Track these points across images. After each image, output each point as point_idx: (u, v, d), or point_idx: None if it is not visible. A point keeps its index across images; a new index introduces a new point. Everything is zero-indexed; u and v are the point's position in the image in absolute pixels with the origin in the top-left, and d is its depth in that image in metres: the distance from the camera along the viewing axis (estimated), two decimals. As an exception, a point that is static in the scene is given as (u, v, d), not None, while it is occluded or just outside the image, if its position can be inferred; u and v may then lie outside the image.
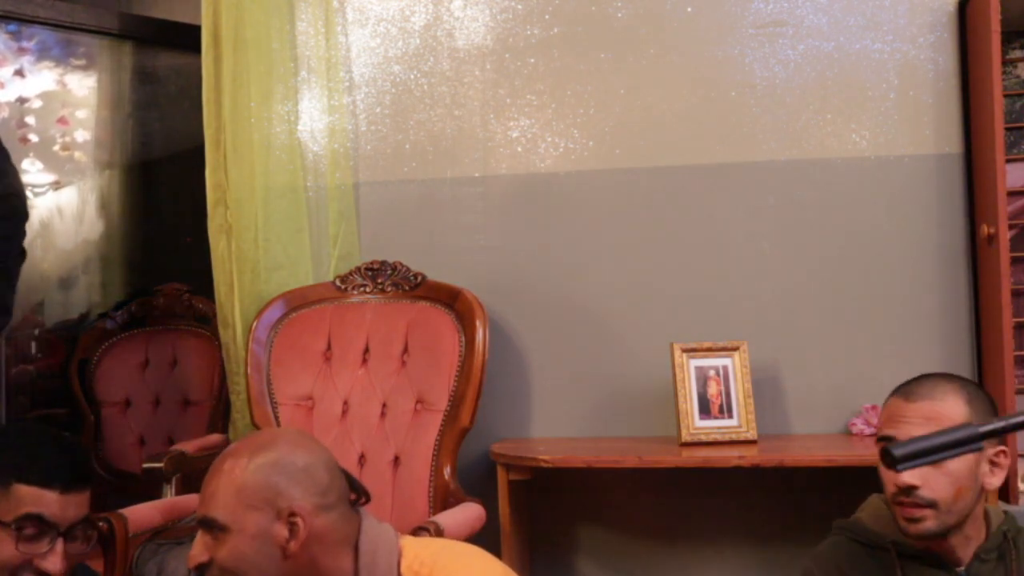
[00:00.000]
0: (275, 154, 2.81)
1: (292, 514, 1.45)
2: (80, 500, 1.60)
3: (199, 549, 1.49)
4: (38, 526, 1.54)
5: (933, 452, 1.02)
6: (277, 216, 2.80)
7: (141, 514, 2.29)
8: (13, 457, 1.58)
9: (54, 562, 1.55)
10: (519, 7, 2.84)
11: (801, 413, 2.68)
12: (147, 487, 2.57)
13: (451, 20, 2.88)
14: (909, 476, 1.50)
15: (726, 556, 2.73)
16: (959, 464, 1.49)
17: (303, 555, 1.46)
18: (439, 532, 2.03)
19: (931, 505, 1.51)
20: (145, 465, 2.54)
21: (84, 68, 3.48)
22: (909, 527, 1.54)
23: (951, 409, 1.52)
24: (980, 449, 1.06)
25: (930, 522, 1.52)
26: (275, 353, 2.63)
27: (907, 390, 1.58)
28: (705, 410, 2.55)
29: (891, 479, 1.55)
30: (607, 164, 2.79)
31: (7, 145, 2.19)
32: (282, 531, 1.45)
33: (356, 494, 1.57)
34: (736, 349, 2.59)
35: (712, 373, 2.57)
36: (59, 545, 1.56)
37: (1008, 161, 2.42)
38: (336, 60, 2.88)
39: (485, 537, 2.21)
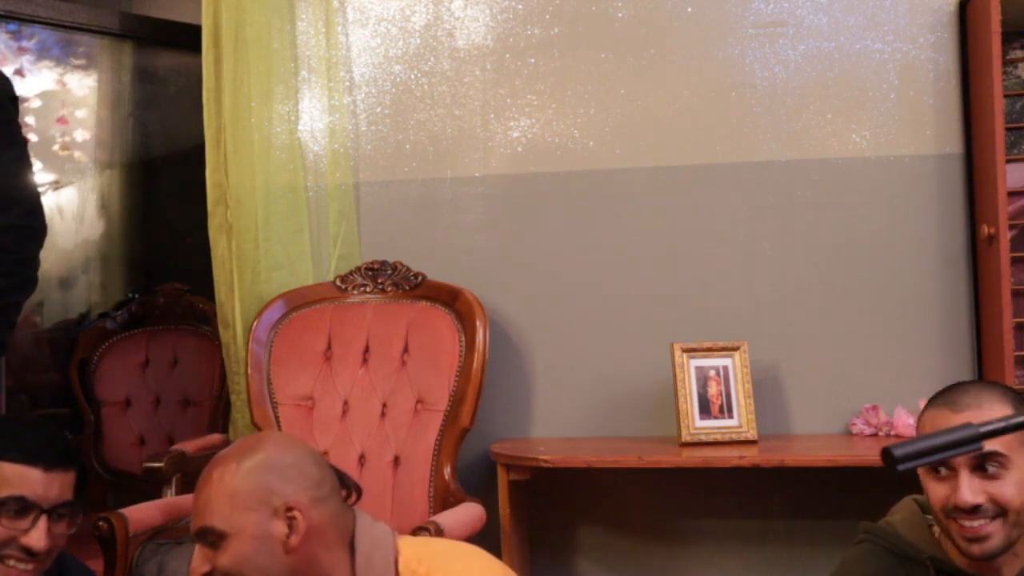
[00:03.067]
0: (275, 154, 2.81)
1: (289, 508, 1.46)
2: (64, 480, 1.61)
3: (199, 562, 1.49)
4: (21, 503, 1.56)
5: (933, 452, 1.02)
6: (277, 216, 2.79)
7: (141, 514, 2.29)
8: None
9: (37, 538, 1.56)
10: (519, 7, 2.84)
11: (801, 413, 2.68)
12: (147, 487, 2.57)
13: (451, 20, 2.88)
14: (971, 495, 1.40)
15: (726, 556, 2.73)
16: (1020, 473, 1.42)
17: (303, 550, 1.47)
18: (439, 532, 2.03)
19: (999, 515, 1.41)
20: (145, 465, 2.54)
21: (84, 68, 3.48)
22: (972, 547, 1.43)
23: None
24: (979, 449, 1.05)
25: (997, 538, 1.41)
26: (275, 353, 2.63)
27: (951, 400, 1.48)
28: (705, 410, 2.54)
29: (941, 496, 1.45)
30: (607, 164, 2.79)
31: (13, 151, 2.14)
32: (281, 528, 1.46)
33: (347, 490, 1.57)
34: (736, 349, 2.59)
35: (712, 373, 2.57)
36: (42, 522, 1.57)
37: (1008, 161, 2.42)
38: (336, 60, 2.88)
39: (485, 537, 2.21)
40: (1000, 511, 1.41)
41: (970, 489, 1.41)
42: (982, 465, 1.42)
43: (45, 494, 1.58)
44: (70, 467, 1.63)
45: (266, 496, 1.46)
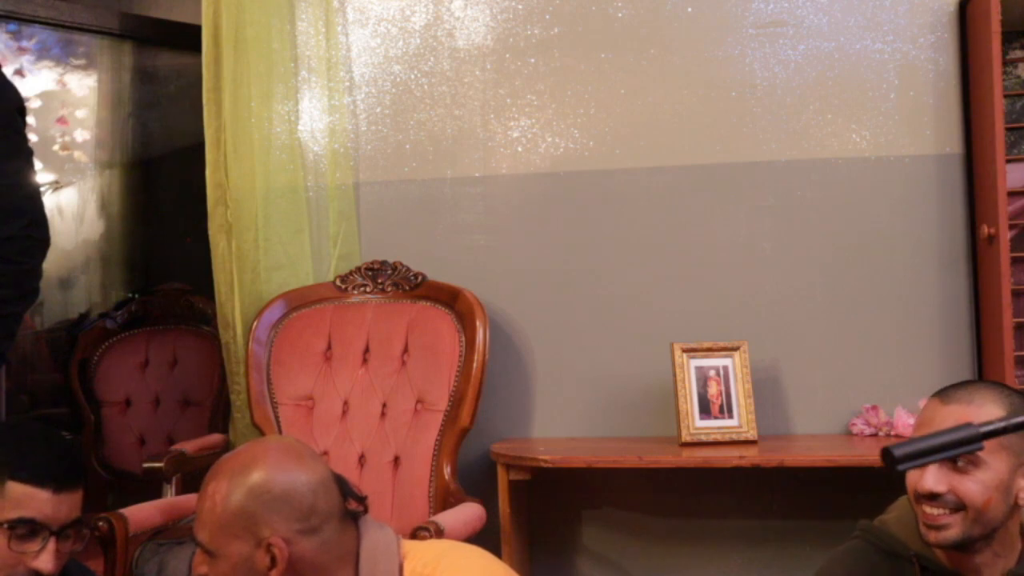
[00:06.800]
0: (275, 154, 2.81)
1: (271, 545, 1.44)
2: (73, 499, 1.59)
3: (198, 562, 1.50)
4: (31, 526, 1.54)
5: (933, 452, 1.02)
6: (277, 216, 2.80)
7: (141, 514, 2.29)
8: (5, 455, 1.57)
9: (46, 561, 1.54)
10: (519, 7, 2.84)
11: (801, 413, 2.68)
12: (147, 487, 2.58)
13: (451, 20, 2.88)
14: (933, 482, 1.42)
15: (726, 556, 2.73)
16: (991, 474, 1.41)
17: None
18: (439, 532, 2.03)
19: (958, 509, 1.42)
20: (145, 465, 2.54)
21: (84, 68, 3.48)
22: (930, 534, 1.45)
23: (986, 416, 1.39)
24: (980, 449, 1.05)
25: (954, 530, 1.43)
26: (275, 353, 2.63)
27: (945, 393, 1.49)
28: (705, 410, 2.55)
29: (912, 481, 1.47)
30: (607, 164, 2.79)
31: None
32: (263, 559, 1.44)
33: (355, 501, 1.55)
34: (736, 349, 2.59)
35: (712, 373, 2.57)
36: (51, 544, 1.55)
37: (1008, 161, 2.42)
38: (336, 60, 2.88)
39: (485, 537, 2.21)
40: (960, 505, 1.42)
41: (934, 477, 1.43)
42: (953, 458, 1.40)
43: (54, 515, 1.55)
44: (79, 485, 1.61)
45: (251, 525, 1.44)
